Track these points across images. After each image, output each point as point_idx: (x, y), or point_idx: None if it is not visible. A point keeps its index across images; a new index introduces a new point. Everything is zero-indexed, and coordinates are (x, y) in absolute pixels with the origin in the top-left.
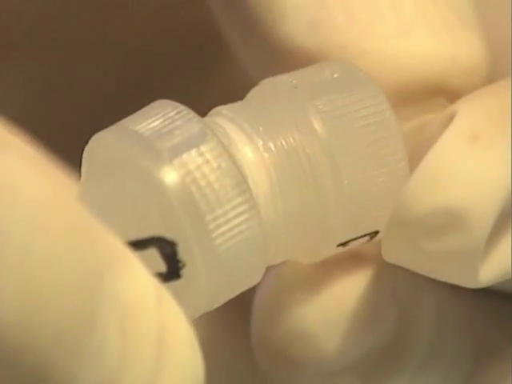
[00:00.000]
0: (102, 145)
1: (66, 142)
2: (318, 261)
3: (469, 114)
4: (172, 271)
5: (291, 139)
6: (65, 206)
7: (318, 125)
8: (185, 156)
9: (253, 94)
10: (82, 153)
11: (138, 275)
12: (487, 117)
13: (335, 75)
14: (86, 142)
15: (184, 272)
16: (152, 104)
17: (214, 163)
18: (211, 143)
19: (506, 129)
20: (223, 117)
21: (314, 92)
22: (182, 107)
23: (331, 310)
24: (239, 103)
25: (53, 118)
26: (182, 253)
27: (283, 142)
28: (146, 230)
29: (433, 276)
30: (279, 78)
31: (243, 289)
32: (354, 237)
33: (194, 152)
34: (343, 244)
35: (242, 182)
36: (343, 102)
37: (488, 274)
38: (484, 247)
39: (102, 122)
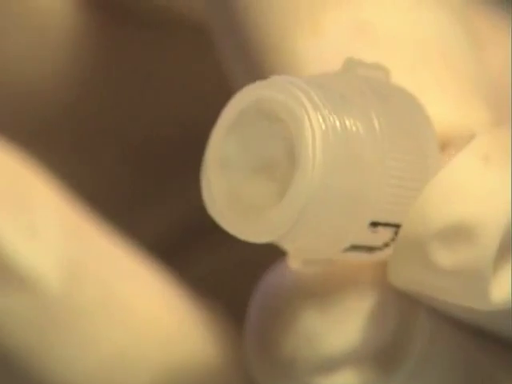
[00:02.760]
0: None
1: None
2: (336, 252)
3: (483, 138)
4: None
5: (352, 123)
6: None
7: (376, 123)
8: None
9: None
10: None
11: None
12: (500, 142)
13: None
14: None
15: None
16: None
17: None
18: None
19: None
20: (290, 83)
21: (377, 93)
22: None
23: (336, 313)
24: (303, 77)
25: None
26: None
27: (346, 123)
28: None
29: (442, 296)
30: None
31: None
32: (385, 220)
33: None
34: (375, 224)
35: None
36: (400, 113)
37: (499, 294)
38: (494, 264)
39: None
